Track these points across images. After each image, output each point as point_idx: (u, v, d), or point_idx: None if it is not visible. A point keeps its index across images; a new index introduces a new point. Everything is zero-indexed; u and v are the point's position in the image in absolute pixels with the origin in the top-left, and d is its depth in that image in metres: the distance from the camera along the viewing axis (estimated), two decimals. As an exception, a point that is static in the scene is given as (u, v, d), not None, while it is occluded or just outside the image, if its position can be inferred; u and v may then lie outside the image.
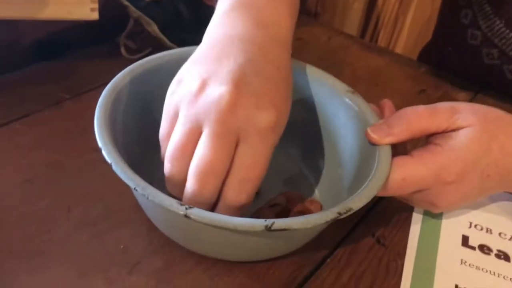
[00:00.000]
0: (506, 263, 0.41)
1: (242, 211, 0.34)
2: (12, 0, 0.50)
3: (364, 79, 0.66)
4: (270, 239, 0.34)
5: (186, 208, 0.30)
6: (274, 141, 0.33)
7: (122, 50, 0.62)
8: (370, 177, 0.35)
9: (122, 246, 0.38)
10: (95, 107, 0.52)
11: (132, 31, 0.63)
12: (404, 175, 0.37)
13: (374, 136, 0.38)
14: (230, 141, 0.31)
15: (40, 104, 0.52)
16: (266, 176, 0.34)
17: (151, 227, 0.39)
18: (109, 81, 0.58)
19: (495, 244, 0.43)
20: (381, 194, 0.37)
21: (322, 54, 0.71)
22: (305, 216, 0.32)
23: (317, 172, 0.46)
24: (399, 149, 0.40)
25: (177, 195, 0.34)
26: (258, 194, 0.43)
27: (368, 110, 0.42)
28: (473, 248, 0.42)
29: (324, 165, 0.46)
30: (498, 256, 0.41)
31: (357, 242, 0.41)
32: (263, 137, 0.32)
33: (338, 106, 0.44)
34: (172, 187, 0.34)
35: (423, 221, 0.44)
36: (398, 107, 0.60)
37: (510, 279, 0.39)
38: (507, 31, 0.60)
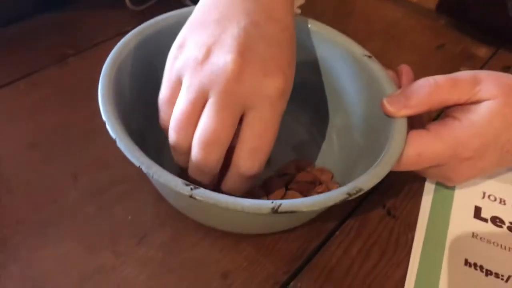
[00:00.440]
0: (518, 236, 0.40)
1: (254, 179, 0.33)
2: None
3: (380, 32, 0.63)
4: (277, 217, 0.33)
5: (191, 189, 0.30)
6: (283, 107, 0.32)
7: (127, 0, 0.59)
8: (383, 153, 0.34)
9: (129, 217, 0.38)
10: (100, 65, 0.50)
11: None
12: (420, 150, 0.35)
13: (390, 108, 0.36)
14: (235, 110, 0.31)
15: (44, 61, 0.51)
16: (276, 142, 0.33)
17: (158, 198, 0.38)
18: (114, 35, 0.56)
19: (508, 216, 0.42)
20: (395, 169, 0.36)
21: (337, 3, 0.67)
22: (313, 197, 0.31)
23: (328, 138, 0.45)
24: (415, 120, 0.38)
25: (183, 164, 0.34)
26: (268, 162, 0.42)
27: (385, 77, 0.40)
28: (485, 220, 0.41)
29: (336, 131, 0.44)
30: (510, 229, 0.41)
31: (367, 213, 0.40)
32: (272, 104, 0.31)
33: (353, 70, 0.42)
34: (178, 156, 0.34)
35: (435, 191, 0.43)
36: (415, 63, 0.58)
37: (521, 253, 0.39)
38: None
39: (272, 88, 0.31)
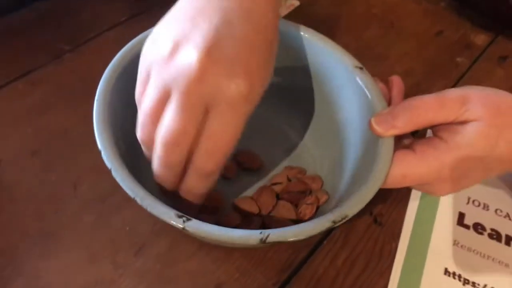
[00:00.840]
0: (498, 243, 0.42)
1: (211, 177, 0.34)
2: None
3: (379, 17, 0.63)
4: None
5: (184, 221, 0.31)
6: (247, 110, 0.32)
7: (123, -12, 0.59)
8: (369, 175, 0.35)
9: (127, 228, 0.40)
10: (96, 62, 0.51)
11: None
12: (405, 171, 0.37)
13: (378, 128, 0.37)
14: (197, 111, 0.31)
15: (41, 58, 0.51)
16: (268, 145, 0.34)
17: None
18: (108, 26, 0.56)
19: (490, 222, 0.44)
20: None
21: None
22: (299, 226, 0.32)
23: (319, 143, 0.46)
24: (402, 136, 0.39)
25: (150, 159, 0.34)
26: (261, 169, 0.44)
27: (375, 90, 0.40)
28: (467, 227, 0.43)
29: (326, 137, 0.45)
30: (490, 235, 0.43)
31: (354, 220, 0.42)
32: (233, 106, 0.31)
33: (344, 81, 0.42)
34: (145, 151, 0.34)
35: (421, 197, 0.45)
36: (413, 53, 0.58)
37: (499, 261, 0.41)
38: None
39: (234, 90, 0.30)
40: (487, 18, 0.63)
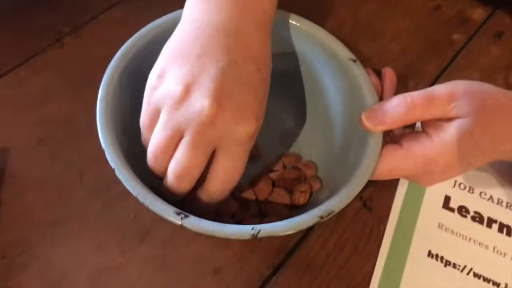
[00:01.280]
0: (480, 226, 0.45)
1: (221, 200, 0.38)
2: None
3: (377, -9, 0.62)
4: None
5: (182, 218, 0.34)
6: (251, 145, 0.36)
7: (118, -36, 0.58)
8: (356, 171, 0.37)
9: (132, 215, 0.43)
10: (95, 45, 0.52)
11: None
12: (392, 166, 0.39)
13: (367, 123, 0.39)
14: (207, 149, 0.34)
15: (41, 43, 0.52)
16: (265, 132, 0.37)
17: (157, 197, 0.43)
18: (106, 5, 0.56)
19: (473, 205, 0.46)
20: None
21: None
22: (289, 221, 0.35)
23: (314, 129, 0.48)
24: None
25: (157, 176, 0.37)
26: (258, 157, 0.46)
27: (367, 83, 0.42)
28: (452, 210, 0.46)
29: (319, 125, 0.47)
30: (473, 218, 0.45)
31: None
32: (241, 146, 0.35)
33: (337, 73, 0.43)
34: (154, 174, 0.38)
35: (410, 182, 0.47)
36: (409, 30, 0.59)
37: (479, 243, 0.44)
38: None
39: (243, 133, 0.34)
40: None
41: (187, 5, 0.39)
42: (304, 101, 0.48)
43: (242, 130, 0.34)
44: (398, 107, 0.38)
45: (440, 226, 0.45)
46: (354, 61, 0.42)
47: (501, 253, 0.44)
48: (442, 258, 0.43)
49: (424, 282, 0.42)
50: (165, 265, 0.41)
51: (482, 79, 0.54)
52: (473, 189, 0.47)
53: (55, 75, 0.50)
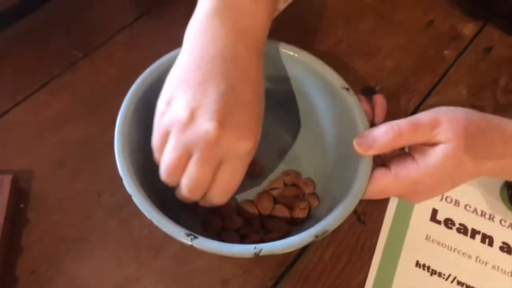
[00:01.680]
0: (464, 237, 0.49)
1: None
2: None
3: (372, 8, 0.65)
4: None
5: (192, 239, 0.38)
6: (250, 159, 0.41)
7: (127, -12, 0.62)
8: (348, 193, 0.41)
9: (147, 231, 0.47)
10: (108, 69, 0.57)
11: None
12: (381, 188, 0.43)
13: (358, 149, 0.42)
14: (214, 164, 0.39)
15: (57, 67, 0.56)
16: (265, 151, 0.44)
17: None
18: (116, 29, 0.60)
19: (459, 217, 0.50)
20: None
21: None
22: (288, 240, 0.39)
23: (311, 150, 0.51)
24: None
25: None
26: (261, 176, 0.50)
27: (358, 111, 0.45)
28: (439, 222, 0.50)
29: (314, 142, 0.51)
30: (458, 230, 0.50)
31: (340, 219, 0.49)
32: (242, 159, 0.40)
33: (330, 100, 0.47)
34: (169, 184, 0.42)
35: (400, 196, 0.51)
36: (404, 44, 0.62)
37: (463, 253, 0.48)
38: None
39: (243, 149, 0.39)
40: (476, 5, 0.66)
41: (186, 37, 0.42)
42: (303, 123, 0.52)
43: (243, 146, 0.38)
44: (386, 134, 0.42)
45: (427, 237, 0.49)
46: (347, 89, 0.46)
47: (483, 262, 0.48)
48: (428, 267, 0.47)
49: (411, 290, 0.46)
50: (177, 278, 0.45)
51: (470, 95, 0.59)
52: (458, 202, 0.51)
53: (71, 99, 0.54)
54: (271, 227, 0.47)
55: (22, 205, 0.47)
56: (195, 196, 0.40)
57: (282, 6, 0.65)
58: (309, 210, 0.48)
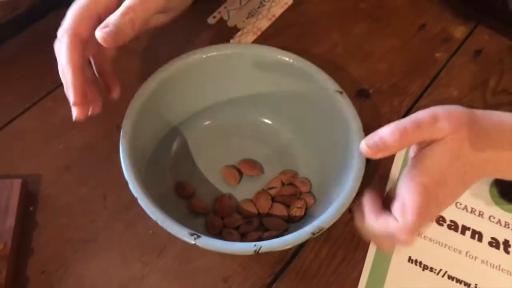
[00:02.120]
0: (455, 233, 0.51)
1: None
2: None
3: (366, 13, 0.67)
4: None
5: (195, 238, 0.40)
6: None
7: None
8: (342, 194, 0.44)
9: (151, 232, 0.49)
10: None
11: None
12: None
13: (369, 151, 0.41)
14: None
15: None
16: (265, 152, 0.49)
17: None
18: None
19: (450, 214, 0.52)
20: None
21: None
22: (285, 238, 0.41)
23: (308, 149, 0.54)
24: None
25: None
26: (260, 175, 0.52)
27: (351, 114, 0.47)
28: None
29: (311, 143, 0.53)
30: (449, 226, 0.52)
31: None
32: None
33: (326, 103, 0.49)
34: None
35: (393, 195, 0.53)
36: (397, 48, 0.64)
37: (454, 249, 0.50)
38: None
39: None
40: (469, 5, 0.68)
41: None
42: (299, 124, 0.54)
43: None
44: (393, 135, 0.41)
45: (419, 234, 0.51)
46: (341, 93, 0.48)
47: (472, 257, 0.50)
48: (420, 263, 0.49)
49: (404, 285, 0.48)
50: (180, 276, 0.47)
51: (461, 96, 0.61)
52: (449, 200, 0.53)
53: (76, 105, 0.56)
54: (270, 225, 0.49)
55: (31, 208, 0.49)
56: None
57: (278, 10, 0.67)
58: (306, 209, 0.50)
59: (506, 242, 0.51)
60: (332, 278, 0.48)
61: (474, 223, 0.52)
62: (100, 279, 0.46)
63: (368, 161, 0.45)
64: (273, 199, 0.51)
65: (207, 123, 0.55)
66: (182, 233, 0.41)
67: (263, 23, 0.65)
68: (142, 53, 0.61)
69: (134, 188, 0.42)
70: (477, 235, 0.51)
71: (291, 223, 0.50)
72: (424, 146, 0.43)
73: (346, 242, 0.50)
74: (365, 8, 0.68)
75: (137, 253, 0.48)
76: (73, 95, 0.43)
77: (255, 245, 0.40)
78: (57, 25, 0.47)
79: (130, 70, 0.58)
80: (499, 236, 0.51)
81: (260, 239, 0.47)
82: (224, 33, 0.64)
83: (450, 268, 0.49)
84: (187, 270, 0.48)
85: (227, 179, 0.52)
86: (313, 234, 0.41)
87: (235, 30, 0.64)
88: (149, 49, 0.61)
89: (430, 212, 0.42)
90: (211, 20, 0.65)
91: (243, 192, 0.52)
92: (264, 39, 0.63)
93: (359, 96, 0.60)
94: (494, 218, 0.52)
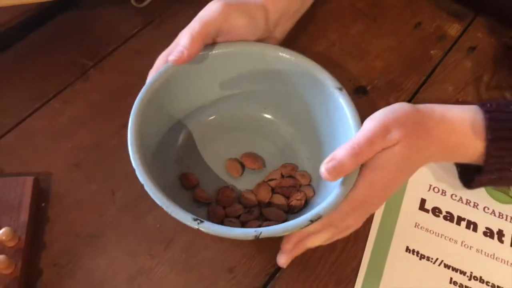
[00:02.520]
0: (450, 224, 0.53)
1: None
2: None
3: (363, 12, 0.69)
4: None
5: (198, 223, 0.41)
6: None
7: (132, 1, 0.66)
8: (341, 185, 0.44)
9: (158, 225, 0.51)
10: (116, 77, 0.61)
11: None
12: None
13: (329, 176, 0.43)
14: None
15: (69, 76, 0.60)
16: (267, 147, 0.50)
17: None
18: (124, 39, 0.64)
19: (445, 205, 0.54)
20: None
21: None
22: (285, 224, 0.42)
23: (306, 143, 0.55)
24: None
25: None
26: (261, 168, 0.54)
27: (350, 109, 0.49)
28: (427, 211, 0.54)
29: (311, 138, 0.55)
30: (445, 217, 0.54)
31: (335, 210, 0.53)
32: None
33: (326, 99, 0.51)
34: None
35: (391, 188, 0.55)
36: (393, 47, 0.66)
37: (450, 239, 0.52)
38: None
39: None
40: (462, 4, 0.70)
41: None
42: (300, 120, 0.56)
43: None
44: (350, 158, 0.43)
45: (416, 225, 0.53)
46: (340, 89, 0.50)
47: (467, 246, 0.52)
48: (417, 252, 0.51)
49: (402, 274, 0.50)
50: (187, 267, 0.49)
51: (456, 91, 0.63)
52: (445, 192, 0.55)
53: (83, 105, 0.58)
54: (270, 215, 0.50)
55: (43, 204, 0.51)
56: None
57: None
58: (306, 201, 0.52)
59: (500, 232, 0.53)
60: (333, 268, 0.50)
61: (469, 214, 0.54)
62: (109, 272, 0.48)
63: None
64: (273, 190, 0.53)
65: (211, 118, 0.57)
66: (186, 218, 0.42)
67: (263, 24, 0.67)
68: (146, 54, 0.62)
69: (141, 174, 0.43)
70: (472, 225, 0.53)
71: (290, 214, 0.51)
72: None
73: (346, 234, 0.52)
74: (362, 8, 0.70)
75: (145, 246, 0.50)
76: (189, 42, 0.48)
77: (255, 231, 0.41)
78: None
79: (135, 70, 0.60)
80: (493, 226, 0.53)
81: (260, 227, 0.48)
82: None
83: (446, 257, 0.51)
84: (193, 262, 0.49)
85: (230, 171, 0.54)
86: (311, 221, 0.42)
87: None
88: (153, 50, 0.63)
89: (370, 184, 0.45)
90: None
91: (245, 184, 0.53)
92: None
93: (357, 93, 0.62)
94: (488, 209, 0.54)
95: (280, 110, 0.56)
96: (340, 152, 0.43)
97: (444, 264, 0.51)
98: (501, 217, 0.54)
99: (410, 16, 0.70)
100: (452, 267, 0.50)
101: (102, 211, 0.52)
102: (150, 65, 0.51)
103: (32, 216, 0.49)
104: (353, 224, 0.47)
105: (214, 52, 0.51)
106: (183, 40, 0.48)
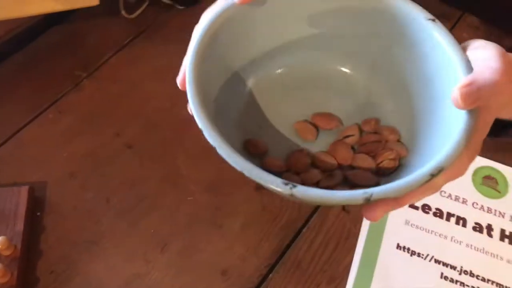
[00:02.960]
0: (440, 220, 0.54)
1: None
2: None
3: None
4: None
5: (291, 188, 0.32)
6: None
7: (122, 11, 0.67)
8: (459, 131, 0.35)
9: (152, 231, 0.52)
10: (109, 87, 0.61)
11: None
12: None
13: (462, 103, 0.34)
14: None
15: (63, 87, 0.62)
16: (342, 102, 0.41)
17: (172, 213, 0.52)
18: (115, 50, 0.65)
19: (435, 202, 0.55)
20: None
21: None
22: (400, 181, 0.33)
23: (392, 96, 0.45)
24: None
25: None
26: (338, 127, 0.44)
27: (453, 45, 0.38)
28: (417, 208, 0.55)
29: (395, 89, 0.44)
30: (435, 214, 0.55)
31: (327, 210, 0.54)
32: None
33: (417, 36, 0.41)
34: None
35: (381, 186, 0.56)
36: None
37: (440, 235, 0.53)
38: None
39: None
40: (449, 5, 0.71)
41: None
42: (382, 68, 0.45)
43: None
44: (490, 81, 0.34)
45: (407, 222, 0.54)
46: (434, 20, 0.40)
47: (457, 241, 0.53)
48: (408, 249, 0.52)
49: (394, 270, 0.51)
50: (182, 270, 0.50)
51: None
52: (434, 189, 0.56)
53: (77, 115, 0.59)
54: (356, 179, 0.40)
55: (38, 213, 0.52)
56: None
57: None
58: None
59: (489, 226, 0.54)
60: (326, 266, 0.51)
61: (458, 209, 0.55)
62: (105, 277, 0.49)
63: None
64: (353, 150, 0.43)
65: (279, 71, 0.47)
66: (274, 182, 0.33)
67: None
68: (137, 64, 0.64)
69: (211, 135, 0.34)
70: (461, 221, 0.54)
71: (381, 177, 0.41)
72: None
73: (337, 232, 0.53)
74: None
75: (140, 251, 0.51)
76: None
77: (364, 192, 0.32)
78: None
79: (127, 80, 0.61)
80: (482, 221, 0.54)
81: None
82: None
83: (437, 253, 0.52)
84: (188, 264, 0.50)
85: (303, 134, 0.44)
86: (432, 175, 0.33)
87: None
88: (144, 60, 0.64)
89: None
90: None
91: (317, 147, 0.43)
92: None
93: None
94: (477, 204, 0.55)
95: (356, 60, 0.46)
96: (480, 73, 0.35)
97: (435, 259, 0.52)
98: (489, 212, 0.55)
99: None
100: (443, 262, 0.51)
101: (98, 218, 0.53)
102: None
103: (27, 224, 0.50)
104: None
105: None
106: None
